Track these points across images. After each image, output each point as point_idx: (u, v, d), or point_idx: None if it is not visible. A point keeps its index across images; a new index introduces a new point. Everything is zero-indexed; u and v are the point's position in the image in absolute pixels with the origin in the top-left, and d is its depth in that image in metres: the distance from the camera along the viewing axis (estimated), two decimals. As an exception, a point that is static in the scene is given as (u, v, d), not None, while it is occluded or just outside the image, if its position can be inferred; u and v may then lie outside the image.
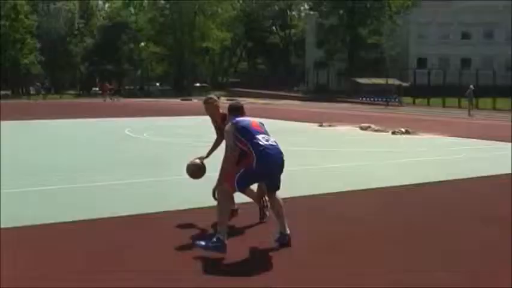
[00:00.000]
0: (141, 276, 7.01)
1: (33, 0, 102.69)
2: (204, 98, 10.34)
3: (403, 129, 26.81)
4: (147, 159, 17.67)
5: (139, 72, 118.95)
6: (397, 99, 65.80)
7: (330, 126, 30.61)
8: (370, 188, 12.96)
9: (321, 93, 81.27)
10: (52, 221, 9.65)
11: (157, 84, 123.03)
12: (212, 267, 7.39)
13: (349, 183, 13.38)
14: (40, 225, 9.45)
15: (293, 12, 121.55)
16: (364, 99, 70.17)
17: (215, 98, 10.02)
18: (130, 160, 17.38)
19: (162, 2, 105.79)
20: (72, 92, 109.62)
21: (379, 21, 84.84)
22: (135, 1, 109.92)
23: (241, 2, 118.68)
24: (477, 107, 52.15)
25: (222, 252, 7.82)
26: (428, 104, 62.76)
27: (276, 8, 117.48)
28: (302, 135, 26.28)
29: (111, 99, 72.81)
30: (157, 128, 29.31)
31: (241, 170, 8.28)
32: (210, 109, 9.97)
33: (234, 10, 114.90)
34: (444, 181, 14.02)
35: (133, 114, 41.37)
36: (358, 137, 25.58)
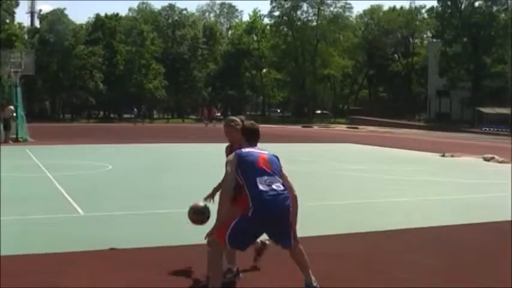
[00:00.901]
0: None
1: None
2: (227, 119, 8.70)
3: (528, 161, 26.13)
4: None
5: (260, 98, 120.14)
6: (522, 130, 64.23)
7: (452, 156, 30.10)
8: (491, 221, 12.64)
9: (443, 122, 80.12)
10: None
11: (278, 110, 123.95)
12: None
13: (470, 215, 13.14)
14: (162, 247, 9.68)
15: (416, 40, 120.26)
16: (487, 129, 68.77)
17: (238, 121, 8.41)
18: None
19: (285, 29, 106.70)
20: (193, 116, 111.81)
21: (503, 49, 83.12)
22: (258, 28, 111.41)
23: (363, 29, 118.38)
24: None
25: None
26: (555, 134, 60.95)
27: (399, 35, 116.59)
28: (423, 165, 25.92)
29: (206, 124, 74.26)
30: (278, 155, 29.34)
31: (237, 218, 7.16)
32: (231, 133, 8.47)
33: (355, 37, 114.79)
34: None
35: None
36: (482, 168, 25.06)
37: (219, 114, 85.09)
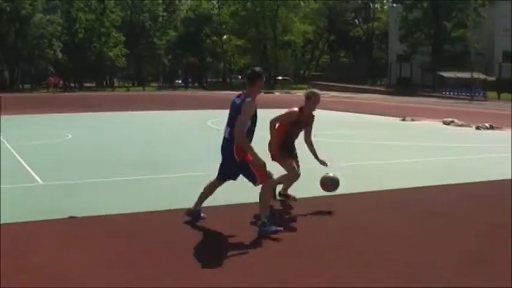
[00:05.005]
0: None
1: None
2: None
3: (487, 124, 26.33)
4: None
5: (221, 64, 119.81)
6: (481, 94, 64.75)
7: (412, 120, 30.31)
8: (449, 184, 12.77)
9: (404, 87, 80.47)
10: (135, 211, 9.85)
11: (239, 77, 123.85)
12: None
13: (429, 178, 13.23)
14: (123, 214, 9.64)
15: (376, 5, 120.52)
16: (447, 93, 69.23)
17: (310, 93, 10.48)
18: (213, 152, 17.45)
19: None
20: (155, 84, 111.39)
21: (463, 13, 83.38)
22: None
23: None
24: None
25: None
26: (513, 98, 61.56)
27: (359, 0, 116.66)
28: (384, 129, 26.05)
29: (54, 93, 75.19)
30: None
31: None
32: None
33: (316, 3, 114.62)
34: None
35: (216, 106, 41.64)
36: (441, 132, 25.25)
37: (180, 81, 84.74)
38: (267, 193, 8.73)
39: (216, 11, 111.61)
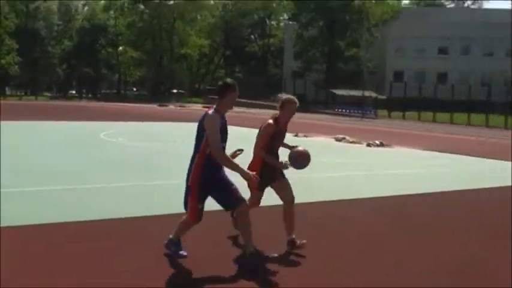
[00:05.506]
0: (129, 277, 7.04)
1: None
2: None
3: (377, 142, 26.96)
4: (121, 163, 17.57)
5: (116, 76, 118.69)
6: (372, 112, 66.17)
7: (305, 136, 30.69)
8: (340, 199, 13.11)
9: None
10: (29, 223, 9.68)
11: (134, 89, 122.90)
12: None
13: (319, 194, 13.47)
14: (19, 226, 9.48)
15: (272, 22, 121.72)
16: (340, 110, 70.46)
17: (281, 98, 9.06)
18: (104, 164, 17.31)
19: (142, 6, 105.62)
20: (48, 94, 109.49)
21: (357, 33, 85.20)
22: (116, 4, 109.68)
23: (220, 9, 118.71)
24: (452, 122, 52.96)
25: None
26: (403, 117, 63.13)
27: (255, 16, 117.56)
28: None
29: None
30: (133, 133, 29.23)
31: None
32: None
33: (213, 17, 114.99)
34: (409, 195, 14.15)
35: (109, 118, 41.23)
36: (333, 148, 25.67)
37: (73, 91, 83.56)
38: (184, 229, 8.07)
39: (112, 22, 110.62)
